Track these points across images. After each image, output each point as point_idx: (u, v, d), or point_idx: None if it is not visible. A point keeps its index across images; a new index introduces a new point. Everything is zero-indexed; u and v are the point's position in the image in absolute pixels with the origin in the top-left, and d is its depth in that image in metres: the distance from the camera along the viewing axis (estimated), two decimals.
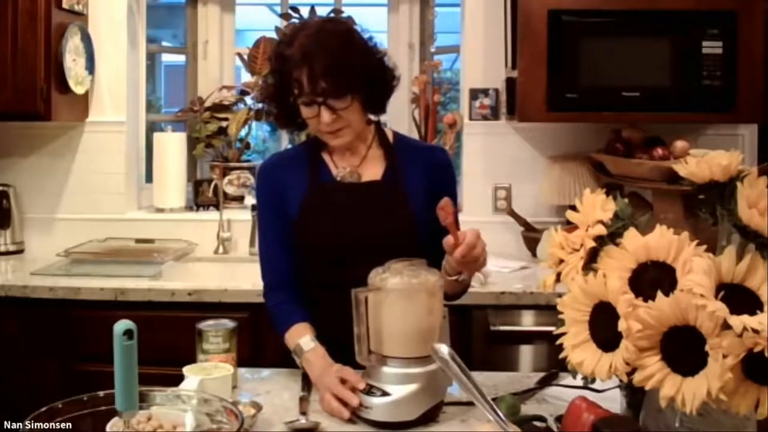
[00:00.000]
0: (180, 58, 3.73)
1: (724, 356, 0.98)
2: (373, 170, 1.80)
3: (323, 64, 1.63)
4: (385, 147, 1.83)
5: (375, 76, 1.74)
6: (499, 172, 3.15)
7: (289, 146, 3.19)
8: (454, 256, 1.52)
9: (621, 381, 1.11)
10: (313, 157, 1.82)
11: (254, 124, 3.51)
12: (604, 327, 1.09)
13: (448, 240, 1.52)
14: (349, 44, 1.70)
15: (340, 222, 1.75)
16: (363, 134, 1.81)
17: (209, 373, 1.52)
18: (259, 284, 1.84)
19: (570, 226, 1.25)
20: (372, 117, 1.83)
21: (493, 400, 1.26)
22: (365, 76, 1.70)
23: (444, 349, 1.31)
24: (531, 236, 3.04)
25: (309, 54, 1.64)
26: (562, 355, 1.16)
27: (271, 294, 1.81)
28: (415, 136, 3.20)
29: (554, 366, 1.64)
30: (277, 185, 1.80)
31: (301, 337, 1.66)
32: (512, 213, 3.08)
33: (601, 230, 1.19)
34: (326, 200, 1.77)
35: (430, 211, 1.55)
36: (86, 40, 3.08)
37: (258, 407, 1.46)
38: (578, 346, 1.13)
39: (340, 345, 1.58)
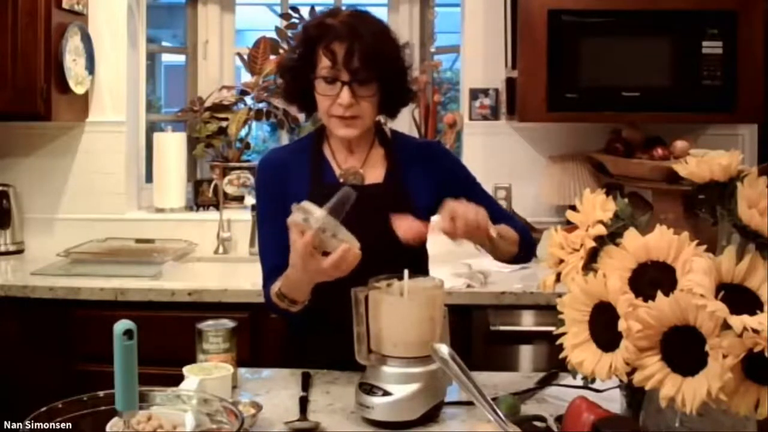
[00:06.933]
0: (180, 58, 3.73)
1: (724, 356, 0.98)
2: (375, 171, 1.78)
3: (365, 45, 1.62)
4: (385, 146, 1.82)
5: (400, 79, 1.74)
6: (499, 172, 3.14)
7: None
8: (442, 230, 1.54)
9: (621, 381, 1.10)
10: (315, 155, 1.80)
11: (254, 124, 3.50)
12: (604, 327, 1.09)
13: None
14: (389, 38, 1.71)
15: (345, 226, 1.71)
16: (367, 134, 1.79)
17: (209, 373, 1.52)
18: (259, 284, 1.84)
19: (570, 226, 1.25)
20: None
21: (493, 400, 1.26)
22: (393, 74, 1.70)
23: (444, 349, 1.30)
24: None
25: (354, 29, 1.63)
26: (562, 355, 1.16)
27: (268, 283, 1.76)
28: (415, 135, 3.20)
29: (554, 366, 1.63)
30: (278, 184, 1.77)
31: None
32: (512, 213, 3.08)
33: (601, 230, 1.19)
34: None
35: (439, 205, 1.56)
36: (86, 40, 3.08)
37: (258, 407, 1.46)
38: (578, 346, 1.13)
39: (344, 346, 1.56)
